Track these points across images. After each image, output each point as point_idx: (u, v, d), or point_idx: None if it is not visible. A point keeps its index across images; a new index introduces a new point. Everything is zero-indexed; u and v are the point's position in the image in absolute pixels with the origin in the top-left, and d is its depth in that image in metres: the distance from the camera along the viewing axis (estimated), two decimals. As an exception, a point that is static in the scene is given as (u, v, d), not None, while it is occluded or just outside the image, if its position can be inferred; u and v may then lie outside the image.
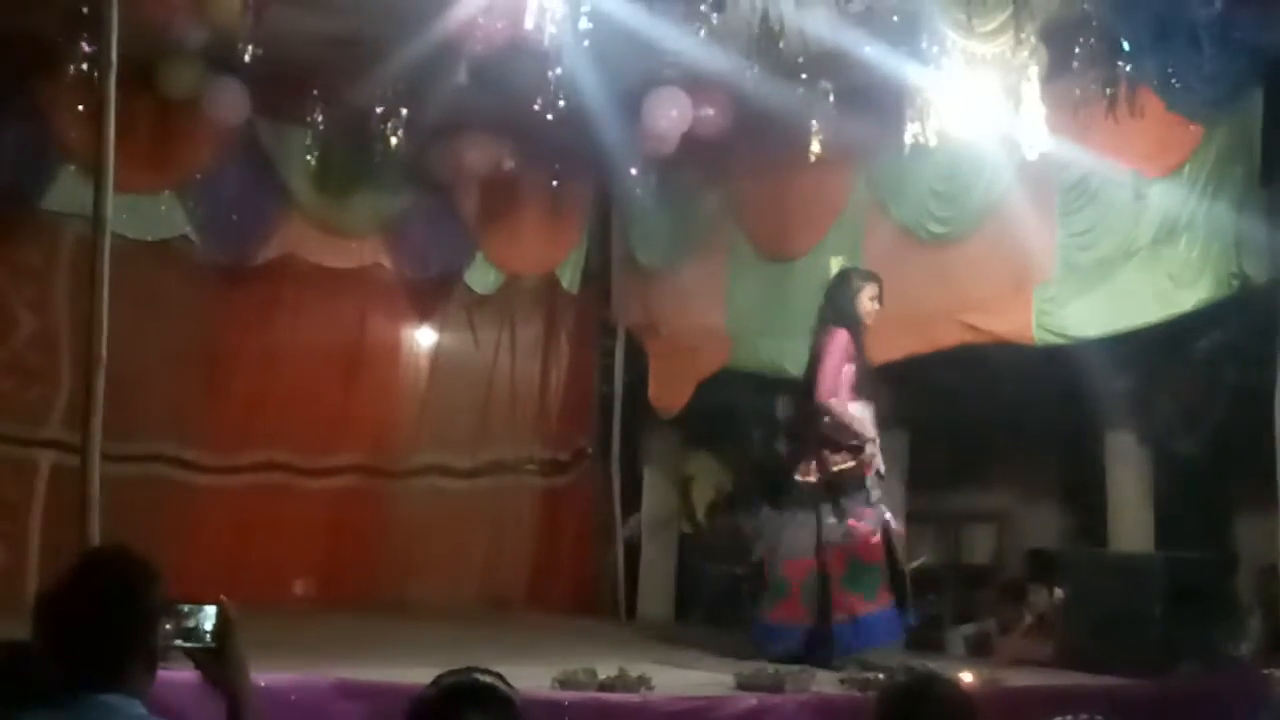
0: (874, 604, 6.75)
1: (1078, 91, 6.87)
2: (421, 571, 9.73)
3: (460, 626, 8.24)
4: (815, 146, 7.85)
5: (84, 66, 6.71)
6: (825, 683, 5.92)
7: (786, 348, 8.44)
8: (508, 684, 2.50)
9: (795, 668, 6.19)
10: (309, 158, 8.94)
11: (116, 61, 5.25)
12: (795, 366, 8.52)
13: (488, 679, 2.49)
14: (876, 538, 6.77)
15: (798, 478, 6.93)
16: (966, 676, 5.78)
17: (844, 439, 6.83)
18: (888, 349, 8.13)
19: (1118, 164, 7.13)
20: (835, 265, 7.33)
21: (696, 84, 8.10)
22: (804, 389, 7.02)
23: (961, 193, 7.97)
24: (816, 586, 6.77)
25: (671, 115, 8.29)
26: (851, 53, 6.95)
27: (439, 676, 2.50)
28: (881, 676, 5.66)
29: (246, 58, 7.37)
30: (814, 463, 6.87)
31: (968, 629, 8.75)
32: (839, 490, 6.82)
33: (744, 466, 10.57)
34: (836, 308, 7.02)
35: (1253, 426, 7.03)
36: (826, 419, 6.84)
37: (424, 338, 10.23)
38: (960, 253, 8.02)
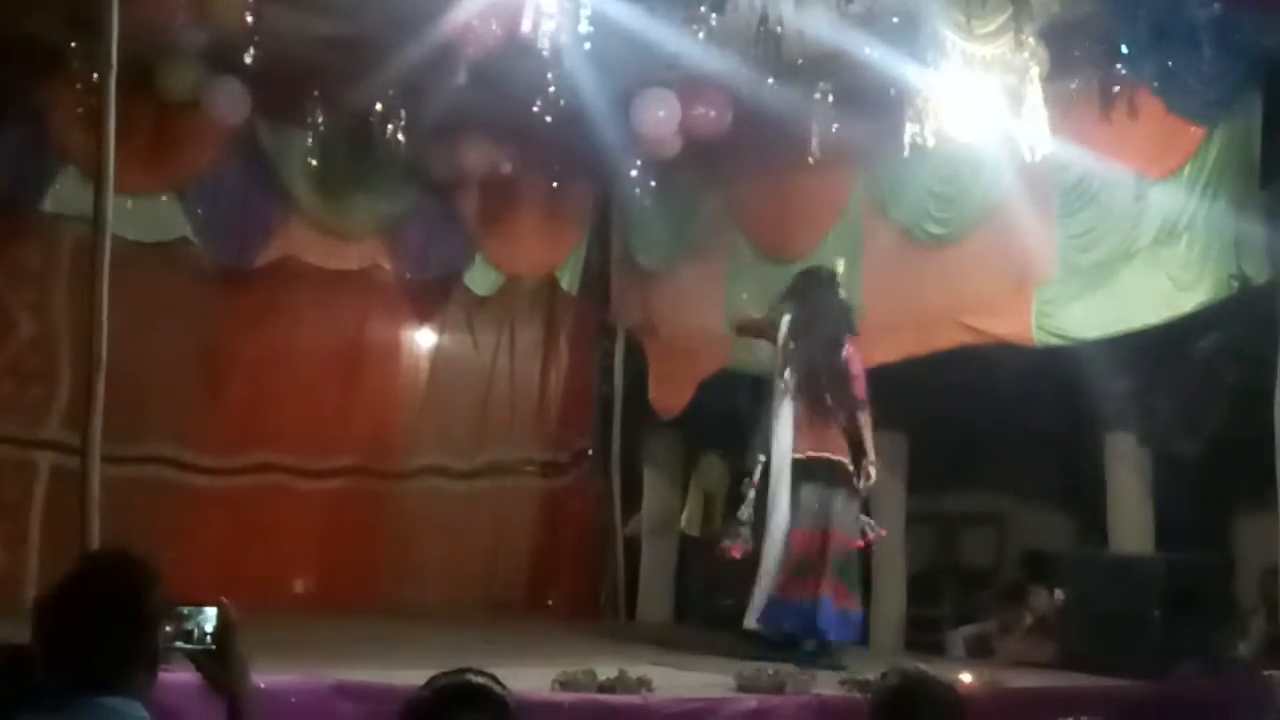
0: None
1: (1077, 93, 6.88)
2: (421, 573, 9.73)
3: (460, 628, 8.23)
4: (815, 148, 7.85)
5: (84, 68, 6.71)
6: (825, 684, 5.92)
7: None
8: (501, 685, 2.50)
9: (795, 669, 6.20)
10: (309, 159, 8.92)
11: (116, 63, 5.25)
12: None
13: (481, 680, 2.49)
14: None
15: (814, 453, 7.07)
16: (966, 678, 5.79)
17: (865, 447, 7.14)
18: (887, 350, 8.15)
19: (1118, 165, 7.13)
20: (841, 267, 7.48)
21: (696, 85, 8.10)
22: (840, 393, 7.18)
23: (961, 194, 7.97)
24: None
25: (658, 116, 8.28)
26: (851, 54, 6.96)
27: (432, 678, 2.50)
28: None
29: (246, 59, 7.38)
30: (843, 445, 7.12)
31: (968, 630, 8.75)
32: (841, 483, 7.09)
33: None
34: (850, 317, 7.35)
35: (1253, 428, 7.03)
36: (862, 420, 7.16)
37: (423, 339, 10.22)
38: (960, 254, 8.02)
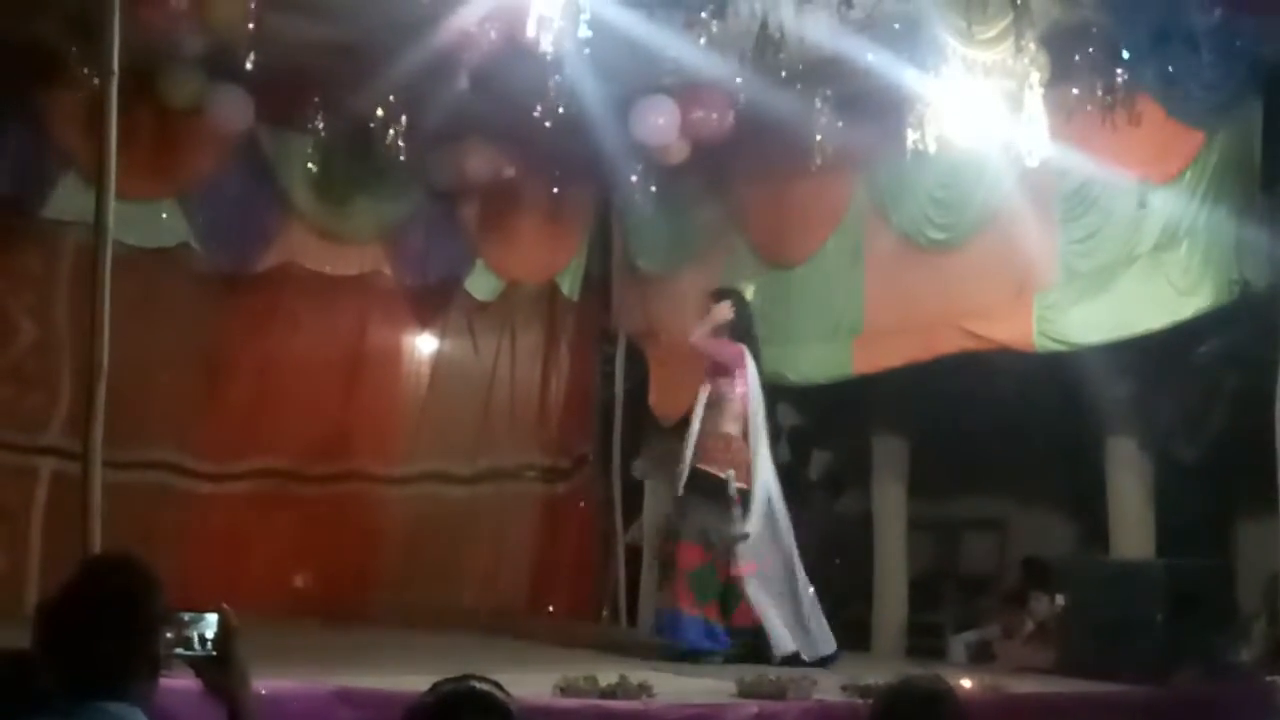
0: None
1: (1078, 98, 6.88)
2: (422, 578, 9.71)
3: (461, 633, 8.23)
4: (815, 153, 7.85)
5: (85, 74, 6.71)
6: (827, 690, 5.92)
7: (786, 354, 8.44)
8: (505, 691, 2.49)
9: (797, 673, 6.20)
10: (310, 165, 8.93)
11: (118, 69, 5.25)
12: (795, 373, 8.54)
13: (484, 686, 2.49)
14: None
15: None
16: (968, 683, 5.79)
17: None
18: (888, 356, 8.15)
19: (1118, 171, 7.13)
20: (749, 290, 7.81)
21: (696, 91, 8.10)
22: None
23: (962, 200, 7.96)
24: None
25: (659, 123, 8.29)
26: (852, 60, 6.96)
27: (436, 684, 2.50)
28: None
29: (248, 65, 7.38)
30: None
31: (969, 636, 8.74)
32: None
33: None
34: None
35: (1254, 432, 7.02)
36: None
37: (424, 345, 10.22)
38: (960, 259, 8.02)
